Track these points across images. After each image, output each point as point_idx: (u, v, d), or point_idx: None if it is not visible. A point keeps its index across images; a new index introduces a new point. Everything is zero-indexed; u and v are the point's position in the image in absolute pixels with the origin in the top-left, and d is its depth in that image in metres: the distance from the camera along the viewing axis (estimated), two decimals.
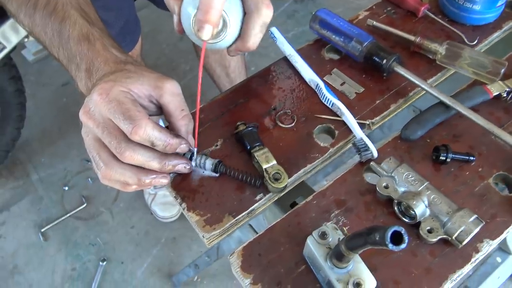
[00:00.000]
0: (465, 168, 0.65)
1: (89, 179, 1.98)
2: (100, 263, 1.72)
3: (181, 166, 0.62)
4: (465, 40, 0.79)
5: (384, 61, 0.71)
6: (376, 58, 0.72)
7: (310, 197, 0.64)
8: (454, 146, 0.66)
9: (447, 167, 0.65)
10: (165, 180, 0.60)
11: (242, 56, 1.58)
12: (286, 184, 0.63)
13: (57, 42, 0.62)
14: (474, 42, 0.79)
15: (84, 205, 1.90)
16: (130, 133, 0.53)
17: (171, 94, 0.59)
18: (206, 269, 1.57)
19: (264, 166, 0.63)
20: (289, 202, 0.72)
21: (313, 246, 0.53)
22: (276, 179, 0.63)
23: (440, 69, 0.76)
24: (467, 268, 0.58)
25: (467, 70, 0.74)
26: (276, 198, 0.65)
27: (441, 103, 0.68)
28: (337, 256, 0.49)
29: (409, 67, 0.74)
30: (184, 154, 0.63)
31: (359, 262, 0.51)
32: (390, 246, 0.37)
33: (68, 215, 1.87)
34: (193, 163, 0.64)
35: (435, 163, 0.65)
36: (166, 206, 1.84)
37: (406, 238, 0.38)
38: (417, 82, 0.69)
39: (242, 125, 0.67)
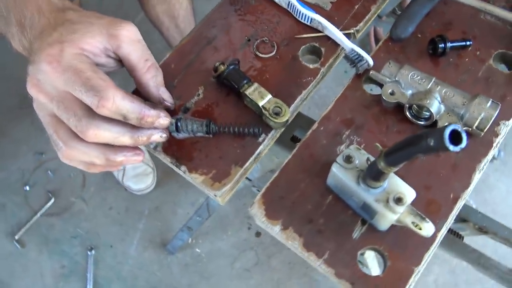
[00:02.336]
0: (463, 55, 0.62)
1: (49, 172, 1.84)
2: (88, 252, 1.64)
3: (157, 136, 0.52)
4: None
5: None
6: None
7: (316, 125, 0.59)
8: (446, 35, 0.62)
9: (446, 58, 0.61)
10: (139, 157, 0.52)
11: (191, 3, 1.46)
12: (289, 116, 0.57)
13: None
14: None
15: (52, 200, 1.78)
16: (97, 106, 0.44)
17: (130, 42, 0.49)
18: (198, 229, 1.54)
19: (260, 103, 0.57)
20: (288, 137, 0.67)
21: (340, 173, 0.49)
22: (277, 114, 0.57)
23: None
24: (491, 154, 0.56)
25: None
26: (279, 135, 0.60)
27: None
28: (373, 175, 0.45)
29: None
30: None
31: (393, 177, 0.48)
32: (452, 147, 0.33)
33: (39, 214, 1.75)
34: (180, 134, 0.57)
35: (432, 57, 0.62)
36: (139, 177, 1.76)
37: (464, 135, 0.34)
38: None
39: (222, 66, 0.60)
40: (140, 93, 0.54)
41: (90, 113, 0.46)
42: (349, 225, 0.52)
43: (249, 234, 1.70)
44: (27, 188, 1.81)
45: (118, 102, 0.45)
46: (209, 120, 0.57)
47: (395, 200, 0.46)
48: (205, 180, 0.56)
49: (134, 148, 0.52)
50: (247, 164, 0.57)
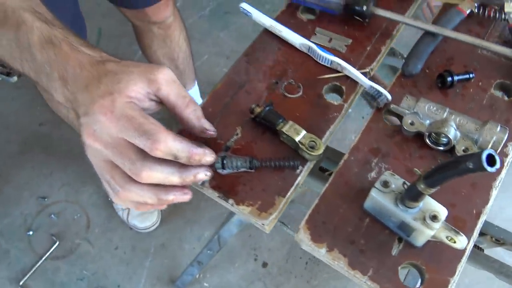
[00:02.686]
0: (468, 86, 0.70)
1: (52, 215, 1.85)
2: None
3: (202, 175, 0.56)
4: None
5: (365, 7, 0.73)
6: (356, 8, 0.74)
7: (346, 155, 0.65)
8: (450, 69, 0.71)
9: (453, 90, 0.70)
10: (187, 196, 0.56)
11: (189, 46, 1.54)
12: (323, 149, 0.64)
13: (18, 54, 0.55)
14: None
15: (57, 243, 1.78)
16: (151, 149, 0.48)
17: (167, 84, 0.53)
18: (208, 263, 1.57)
19: (297, 138, 0.64)
20: (317, 167, 0.73)
21: (379, 197, 0.56)
22: (312, 147, 0.63)
23: (410, 2, 0.80)
24: (504, 173, 0.63)
25: None
26: (312, 166, 0.66)
27: (428, 32, 0.72)
28: (412, 197, 0.52)
29: (383, 7, 0.76)
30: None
31: (427, 198, 0.54)
32: (489, 168, 0.40)
33: (43, 259, 1.75)
34: (225, 171, 0.63)
35: (441, 89, 0.70)
36: (144, 216, 1.78)
37: (497, 157, 0.41)
38: (400, 19, 0.73)
39: (257, 107, 0.67)
40: (183, 131, 0.59)
41: (143, 156, 0.50)
42: (388, 243, 0.58)
43: (256, 265, 1.73)
44: (31, 232, 1.81)
45: (170, 143, 0.49)
46: (251, 156, 0.63)
47: (431, 217, 0.53)
48: (252, 211, 0.62)
49: (183, 187, 0.56)
50: (289, 194, 0.63)
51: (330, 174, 0.72)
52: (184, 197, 0.56)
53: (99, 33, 2.20)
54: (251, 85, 0.72)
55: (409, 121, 0.64)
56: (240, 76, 0.73)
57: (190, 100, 0.56)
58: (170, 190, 0.54)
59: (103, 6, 2.17)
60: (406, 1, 0.80)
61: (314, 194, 0.67)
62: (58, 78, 0.52)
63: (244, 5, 0.78)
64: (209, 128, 0.59)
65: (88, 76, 0.51)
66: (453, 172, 0.44)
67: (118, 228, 1.82)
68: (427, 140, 0.64)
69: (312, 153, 0.63)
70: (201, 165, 0.56)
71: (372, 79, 0.71)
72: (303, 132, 0.64)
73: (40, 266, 1.74)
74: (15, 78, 1.87)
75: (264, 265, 1.73)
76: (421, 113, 0.64)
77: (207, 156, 0.55)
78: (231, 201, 0.63)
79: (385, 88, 0.68)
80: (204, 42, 2.20)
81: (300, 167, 0.65)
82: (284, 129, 0.64)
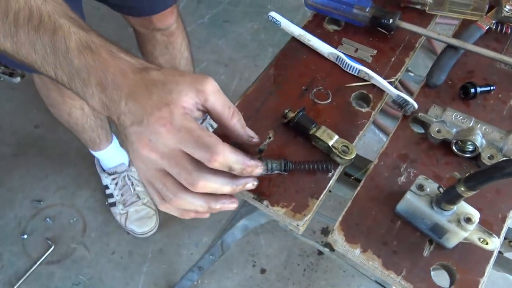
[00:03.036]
0: (488, 97, 0.74)
1: (48, 219, 1.83)
2: None
3: (250, 184, 0.59)
4: None
5: (391, 20, 0.77)
6: (383, 20, 0.77)
7: (376, 160, 0.68)
8: (471, 81, 0.74)
9: (474, 101, 0.73)
10: (234, 205, 0.58)
11: (190, 53, 1.56)
12: (355, 153, 0.66)
13: (52, 59, 0.54)
14: None
15: (52, 247, 1.76)
16: (209, 161, 0.50)
17: (214, 94, 0.54)
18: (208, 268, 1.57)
19: (330, 142, 0.66)
20: (342, 172, 0.76)
21: (414, 199, 0.58)
22: (344, 152, 0.66)
23: (431, 17, 0.83)
24: None
25: (453, 13, 0.82)
26: (342, 170, 0.69)
27: (450, 46, 0.76)
28: (450, 200, 0.54)
29: (405, 21, 0.80)
30: None
31: (461, 201, 0.57)
32: None
33: (38, 263, 1.73)
34: (262, 171, 0.63)
35: (464, 100, 0.73)
36: (142, 221, 1.78)
37: None
38: (425, 33, 0.76)
39: (291, 112, 0.69)
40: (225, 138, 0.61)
41: (199, 166, 0.51)
42: (419, 245, 0.61)
43: (254, 271, 1.74)
44: (25, 236, 1.78)
45: (227, 156, 0.50)
46: (285, 159, 0.65)
47: (465, 220, 0.56)
48: (286, 212, 0.64)
49: (231, 196, 0.58)
50: (322, 196, 0.65)
51: (355, 179, 0.74)
52: (231, 205, 0.58)
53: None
54: (281, 91, 0.75)
55: (436, 129, 0.68)
56: (270, 82, 0.76)
57: (235, 110, 0.58)
58: (219, 198, 0.56)
59: (101, 10, 2.17)
60: (426, 16, 0.83)
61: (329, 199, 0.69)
62: (96, 84, 0.52)
63: (273, 14, 0.80)
64: (254, 136, 0.62)
65: (132, 84, 0.51)
66: (498, 174, 0.47)
67: (115, 233, 1.81)
68: (454, 148, 0.67)
69: (345, 157, 0.65)
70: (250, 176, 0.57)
71: (397, 88, 0.74)
72: (336, 137, 0.67)
73: (35, 271, 1.71)
74: (18, 79, 1.85)
75: (262, 271, 1.74)
76: (448, 121, 0.68)
77: (258, 168, 0.57)
78: (265, 202, 0.65)
79: (412, 94, 0.71)
80: (203, 49, 2.22)
81: (332, 171, 0.67)
82: (318, 134, 0.67)
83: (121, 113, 0.52)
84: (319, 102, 0.73)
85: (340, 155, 0.66)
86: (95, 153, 1.73)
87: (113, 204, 1.80)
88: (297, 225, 0.63)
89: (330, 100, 0.74)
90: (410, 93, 1.97)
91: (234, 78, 2.14)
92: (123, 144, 1.79)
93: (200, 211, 0.55)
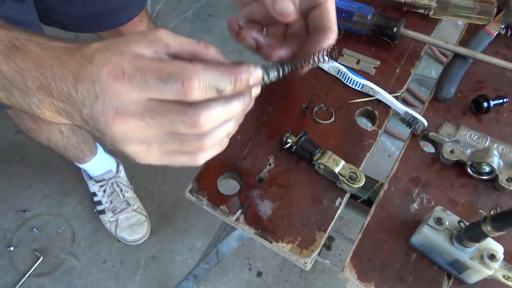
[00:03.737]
0: (501, 110, 0.69)
1: (34, 229, 1.75)
2: None
3: (255, 76, 0.42)
4: None
5: (395, 29, 0.71)
6: (385, 28, 0.71)
7: (386, 185, 0.63)
8: (481, 92, 0.69)
9: (487, 114, 0.69)
10: (257, 72, 0.43)
11: None
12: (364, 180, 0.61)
13: None
14: None
15: (40, 259, 1.69)
16: (184, 93, 0.38)
17: (172, 36, 0.42)
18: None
19: (336, 169, 0.61)
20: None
21: (432, 234, 0.54)
22: (352, 178, 0.61)
23: (435, 22, 0.78)
24: None
25: (458, 17, 0.77)
26: (349, 196, 0.64)
27: (458, 55, 0.71)
28: (473, 237, 0.50)
29: (409, 27, 0.75)
30: None
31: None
32: None
33: (27, 276, 1.66)
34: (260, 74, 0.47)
35: (476, 114, 0.68)
36: (133, 228, 1.72)
37: None
38: (432, 41, 0.71)
39: (292, 137, 0.64)
40: None
41: (186, 105, 0.39)
42: (437, 280, 0.57)
43: (250, 275, 1.70)
44: (11, 248, 1.71)
45: (204, 75, 0.38)
46: (281, 63, 0.49)
47: (489, 256, 0.51)
48: (292, 248, 0.59)
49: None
50: (330, 228, 0.60)
51: (362, 202, 0.70)
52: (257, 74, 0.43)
53: (76, 37, 2.11)
54: (279, 111, 0.69)
55: (450, 149, 0.63)
56: (267, 102, 0.70)
57: (204, 43, 0.44)
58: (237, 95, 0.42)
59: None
60: (430, 21, 0.78)
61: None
62: (37, 89, 0.42)
63: None
64: (258, 66, 0.43)
65: (74, 68, 0.40)
66: None
67: (105, 241, 1.74)
68: (469, 170, 0.62)
69: (354, 185, 0.60)
70: (244, 68, 0.42)
71: (404, 100, 0.69)
72: (342, 163, 0.62)
73: (24, 284, 1.65)
74: None
75: (259, 274, 1.71)
76: (462, 141, 0.63)
77: (253, 70, 0.42)
78: (269, 237, 0.59)
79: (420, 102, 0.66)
80: None
81: (339, 199, 0.62)
82: (323, 160, 0.62)
83: (79, 109, 0.41)
84: (321, 121, 0.68)
85: (347, 183, 0.60)
86: (80, 165, 1.66)
87: (102, 211, 1.73)
88: (305, 262, 0.58)
89: (333, 119, 0.68)
90: (418, 99, 1.90)
91: None
92: (108, 147, 1.73)
93: (224, 144, 0.44)
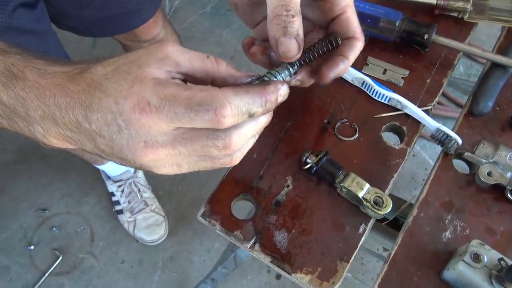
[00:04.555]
0: None
1: (54, 228, 1.76)
2: None
3: (283, 91, 0.43)
4: None
5: (426, 36, 0.65)
6: (415, 35, 0.65)
7: (415, 210, 0.58)
8: None
9: None
10: (285, 88, 0.43)
11: None
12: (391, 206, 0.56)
13: None
14: None
15: (60, 258, 1.70)
16: (218, 121, 0.37)
17: (181, 53, 0.40)
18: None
19: (360, 194, 0.56)
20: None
21: (468, 272, 0.48)
22: (377, 203, 0.56)
23: (470, 26, 0.71)
24: None
25: (495, 21, 0.70)
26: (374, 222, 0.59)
27: (496, 64, 0.64)
28: None
29: (440, 33, 0.68)
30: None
31: None
32: None
33: (46, 275, 1.67)
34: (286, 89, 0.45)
35: None
36: (151, 228, 1.71)
37: None
38: (467, 49, 0.64)
39: (312, 156, 0.59)
40: None
41: (217, 130, 0.39)
42: None
43: (269, 277, 1.67)
44: (32, 247, 1.72)
45: (236, 101, 0.37)
46: (292, 64, 0.48)
47: None
48: (311, 279, 0.54)
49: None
50: (352, 257, 0.55)
51: (388, 224, 0.64)
52: (282, 91, 0.43)
53: (94, 41, 2.09)
54: (299, 126, 0.64)
55: (487, 171, 0.57)
56: (286, 116, 0.65)
57: (216, 58, 0.42)
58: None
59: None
60: (464, 25, 0.71)
61: None
62: (41, 118, 0.40)
63: None
64: (285, 84, 0.43)
65: (80, 97, 0.38)
66: None
67: (124, 241, 1.74)
68: (509, 195, 0.56)
69: (379, 212, 0.55)
70: (271, 85, 0.42)
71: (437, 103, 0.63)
72: (367, 186, 0.57)
73: (43, 283, 1.66)
74: None
75: (278, 277, 1.67)
76: (501, 163, 0.57)
77: (280, 88, 0.42)
78: (287, 267, 0.55)
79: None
80: (206, 41, 2.10)
81: (364, 225, 0.57)
82: (346, 184, 0.57)
83: (93, 138, 0.39)
84: (344, 138, 0.63)
85: (372, 208, 0.55)
86: (98, 167, 1.65)
87: (120, 211, 1.72)
88: None
89: (357, 135, 0.63)
90: (453, 102, 1.81)
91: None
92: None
93: (260, 128, 0.43)
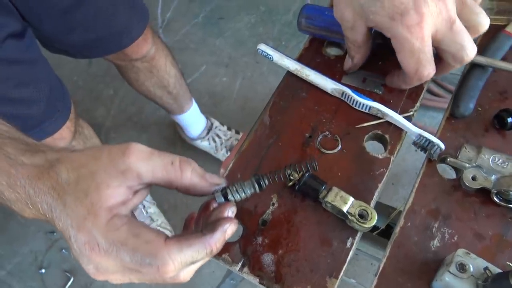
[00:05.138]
0: None
1: (63, 250, 1.78)
2: None
3: (230, 232, 0.46)
4: None
5: None
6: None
7: (402, 220, 0.57)
8: (504, 105, 0.62)
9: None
10: (234, 226, 0.46)
11: (177, 68, 1.45)
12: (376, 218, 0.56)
13: None
14: None
15: (71, 279, 1.71)
16: (160, 276, 0.40)
17: (145, 164, 0.42)
18: None
19: (344, 208, 0.55)
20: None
21: (455, 283, 0.48)
22: (362, 216, 0.55)
23: None
24: None
25: None
26: (361, 236, 0.58)
27: (476, 65, 0.63)
28: None
29: None
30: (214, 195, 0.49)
31: None
32: None
33: None
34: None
35: (500, 130, 0.61)
36: None
37: None
38: None
39: (295, 173, 0.58)
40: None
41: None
42: None
43: None
44: (43, 270, 1.74)
45: (179, 259, 0.40)
46: (256, 175, 0.51)
47: None
48: None
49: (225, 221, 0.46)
50: (342, 273, 0.55)
51: (380, 233, 0.64)
52: (230, 231, 0.46)
53: (90, 60, 2.11)
54: (281, 142, 0.64)
55: (471, 175, 0.56)
56: (267, 133, 0.65)
57: (182, 162, 0.45)
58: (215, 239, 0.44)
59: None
60: None
61: None
62: (15, 201, 0.43)
63: (263, 47, 0.69)
64: (218, 182, 0.48)
65: (47, 200, 0.41)
66: None
67: None
68: (495, 198, 0.56)
69: (364, 225, 0.55)
70: (222, 220, 0.45)
71: (428, 91, 0.62)
72: (351, 200, 0.56)
73: None
74: None
75: None
76: (485, 166, 0.56)
77: (228, 228, 0.45)
78: (277, 287, 0.55)
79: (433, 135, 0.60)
80: (200, 51, 2.10)
81: (351, 239, 0.57)
82: (329, 199, 0.56)
83: (60, 230, 0.42)
84: (326, 151, 0.62)
85: (358, 222, 0.55)
86: None
87: None
88: None
89: (339, 147, 0.63)
90: (444, 88, 1.79)
91: (237, 79, 2.02)
92: None
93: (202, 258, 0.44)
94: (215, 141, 1.76)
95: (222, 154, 1.77)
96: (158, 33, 2.13)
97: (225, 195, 0.49)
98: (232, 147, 1.76)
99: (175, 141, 1.91)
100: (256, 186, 0.50)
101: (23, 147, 0.44)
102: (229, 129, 1.80)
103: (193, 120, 1.71)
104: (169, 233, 1.71)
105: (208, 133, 1.76)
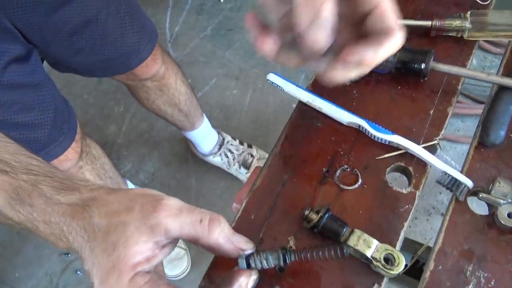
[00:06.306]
0: None
1: (78, 272, 1.76)
2: None
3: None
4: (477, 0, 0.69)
5: (423, 64, 0.60)
6: (412, 64, 0.60)
7: (432, 263, 0.53)
8: None
9: None
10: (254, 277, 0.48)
11: (188, 85, 1.42)
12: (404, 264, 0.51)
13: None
14: (487, 1, 0.69)
15: None
16: None
17: (175, 219, 0.43)
18: None
19: (368, 253, 0.51)
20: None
21: None
22: (388, 260, 0.51)
23: (471, 45, 0.66)
24: None
25: (497, 36, 0.64)
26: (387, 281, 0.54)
27: (504, 88, 0.59)
28: None
29: (440, 56, 0.63)
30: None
31: None
32: None
33: None
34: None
35: None
36: (173, 263, 1.68)
37: None
38: (469, 75, 0.59)
39: (313, 214, 0.54)
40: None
41: None
42: None
43: None
44: None
45: None
46: (284, 249, 0.49)
47: None
48: None
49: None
50: None
51: (406, 273, 0.59)
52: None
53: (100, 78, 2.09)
54: (297, 179, 0.60)
55: (507, 212, 0.51)
56: (281, 168, 0.61)
57: (211, 221, 0.44)
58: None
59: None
60: (465, 44, 0.66)
61: None
62: (49, 235, 0.45)
63: (272, 77, 0.65)
64: (245, 247, 0.48)
65: (77, 237, 0.44)
66: None
67: None
68: None
69: (391, 271, 0.51)
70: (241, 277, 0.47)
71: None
72: (375, 243, 0.52)
73: None
74: None
75: None
76: None
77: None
78: None
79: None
80: (210, 64, 2.07)
81: (376, 285, 0.52)
82: (351, 242, 0.52)
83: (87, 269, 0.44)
84: (346, 187, 0.58)
85: (384, 268, 0.51)
86: None
87: None
88: None
89: (360, 182, 0.58)
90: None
91: (248, 91, 1.98)
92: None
93: None
94: (227, 157, 1.73)
95: (235, 169, 1.74)
96: (167, 48, 2.11)
97: (247, 261, 0.48)
98: (245, 162, 1.72)
99: (187, 157, 1.88)
100: (282, 261, 0.49)
101: (57, 185, 0.45)
102: (241, 143, 1.76)
103: (204, 136, 1.68)
104: (184, 252, 1.68)
105: (220, 148, 1.73)
